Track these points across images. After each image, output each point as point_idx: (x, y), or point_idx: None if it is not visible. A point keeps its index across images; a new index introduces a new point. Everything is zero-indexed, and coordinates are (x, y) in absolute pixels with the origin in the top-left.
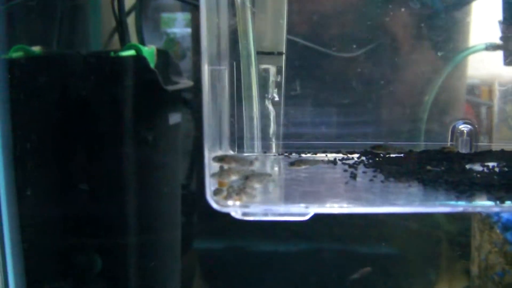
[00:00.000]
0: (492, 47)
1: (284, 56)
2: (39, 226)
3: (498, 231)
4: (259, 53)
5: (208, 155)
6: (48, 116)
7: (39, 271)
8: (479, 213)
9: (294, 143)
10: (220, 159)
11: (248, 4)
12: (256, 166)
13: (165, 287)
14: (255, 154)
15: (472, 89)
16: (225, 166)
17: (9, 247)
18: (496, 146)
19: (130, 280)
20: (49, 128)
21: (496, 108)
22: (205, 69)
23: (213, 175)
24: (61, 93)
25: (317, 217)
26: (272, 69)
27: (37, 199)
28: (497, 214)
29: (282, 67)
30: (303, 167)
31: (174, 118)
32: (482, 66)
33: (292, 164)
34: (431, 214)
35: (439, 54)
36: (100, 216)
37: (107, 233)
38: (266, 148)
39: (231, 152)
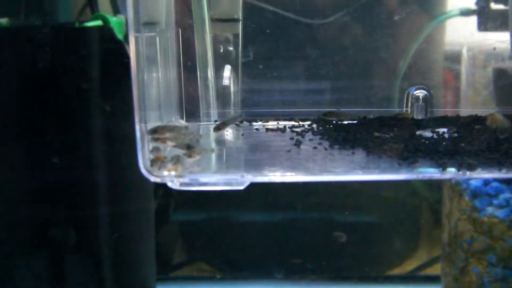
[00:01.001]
0: (467, 13)
1: (240, 23)
2: (7, 200)
3: (467, 198)
4: (214, 20)
5: (139, 126)
6: (12, 88)
7: (10, 246)
8: (449, 180)
9: (250, 111)
10: (153, 131)
11: None
12: (193, 134)
13: (140, 257)
14: (207, 123)
15: (452, 56)
16: (160, 137)
17: None
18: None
19: (104, 252)
20: (13, 101)
21: (464, 74)
22: (131, 35)
23: (151, 151)
24: (25, 64)
25: (293, 186)
26: (228, 37)
27: (2, 172)
28: (466, 181)
29: (238, 34)
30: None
31: None
32: (457, 32)
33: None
34: (406, 181)
35: (396, 18)
36: (72, 188)
37: (81, 206)
38: (222, 117)
39: (180, 122)
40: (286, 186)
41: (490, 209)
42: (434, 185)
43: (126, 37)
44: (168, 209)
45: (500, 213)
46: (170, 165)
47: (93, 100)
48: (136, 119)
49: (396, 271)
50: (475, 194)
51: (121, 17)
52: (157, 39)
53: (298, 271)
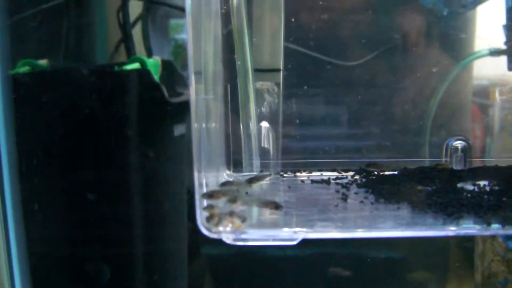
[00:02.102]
0: (496, 52)
1: (281, 73)
2: (46, 239)
3: (500, 239)
4: (256, 70)
5: (197, 177)
6: (53, 131)
7: (47, 282)
8: None
9: (291, 162)
10: (209, 195)
11: (244, 23)
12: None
13: None
14: (252, 174)
15: (479, 91)
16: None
17: (16, 261)
18: (494, 161)
19: None
20: (54, 143)
21: (497, 117)
22: (192, 95)
23: (205, 208)
24: (66, 108)
25: None
26: (270, 86)
27: (44, 213)
28: None
29: (280, 84)
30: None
31: (179, 129)
32: (486, 71)
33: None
34: None
35: (434, 70)
36: (107, 226)
37: (115, 243)
38: (264, 167)
39: (227, 172)
40: None
41: None
42: None
43: (161, 77)
44: (197, 243)
45: None
46: (225, 222)
47: (132, 142)
48: (195, 174)
49: None
50: (509, 235)
51: (156, 59)
52: (214, 101)
53: None
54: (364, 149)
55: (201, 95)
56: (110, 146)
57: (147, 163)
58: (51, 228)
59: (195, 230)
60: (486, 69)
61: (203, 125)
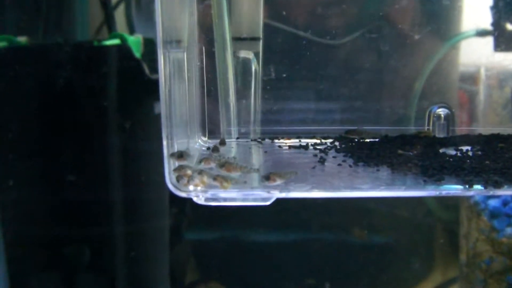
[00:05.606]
0: (483, 33)
1: (261, 42)
2: (22, 218)
3: (485, 218)
4: (235, 39)
5: (166, 142)
6: (30, 107)
7: (24, 263)
8: (467, 201)
9: (270, 129)
10: (179, 155)
11: None
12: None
13: (154, 276)
14: (231, 140)
15: (468, 76)
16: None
17: None
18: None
19: (118, 270)
20: (31, 119)
21: (482, 94)
22: (160, 52)
23: (174, 170)
24: (44, 83)
25: (307, 206)
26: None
27: (20, 190)
28: (484, 201)
29: (259, 53)
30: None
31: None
32: (472, 52)
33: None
34: (421, 201)
35: (416, 37)
36: (86, 206)
37: (95, 224)
38: (242, 134)
39: (202, 139)
40: (300, 205)
41: (509, 230)
42: (450, 205)
43: (143, 55)
44: (181, 228)
45: None
46: (197, 180)
47: (111, 118)
48: (164, 136)
49: None
50: (494, 214)
51: (138, 36)
52: (185, 57)
53: None
54: (344, 121)
55: (172, 50)
56: (88, 122)
57: (126, 140)
58: (26, 205)
59: (178, 214)
60: (474, 53)
61: (175, 91)
